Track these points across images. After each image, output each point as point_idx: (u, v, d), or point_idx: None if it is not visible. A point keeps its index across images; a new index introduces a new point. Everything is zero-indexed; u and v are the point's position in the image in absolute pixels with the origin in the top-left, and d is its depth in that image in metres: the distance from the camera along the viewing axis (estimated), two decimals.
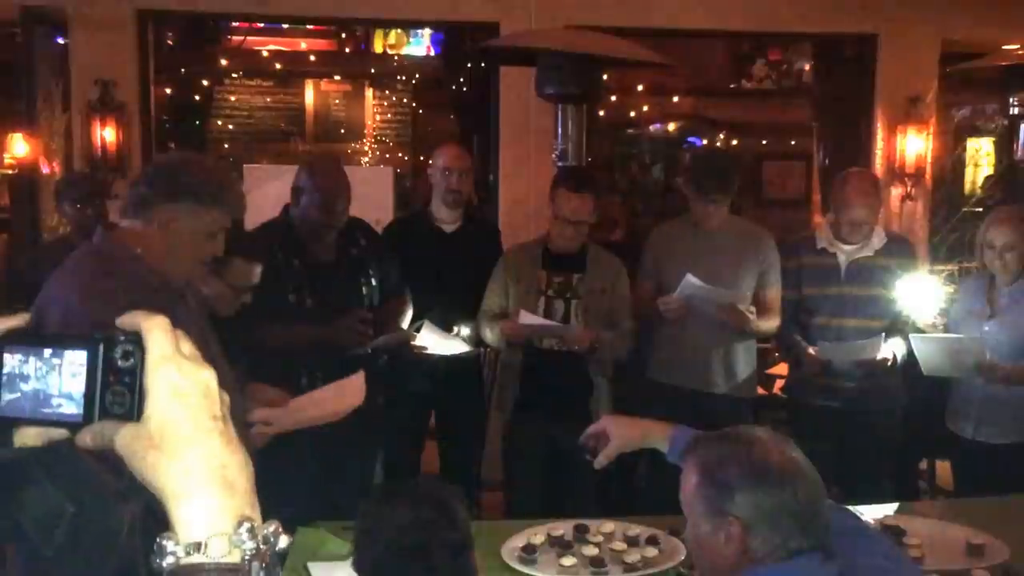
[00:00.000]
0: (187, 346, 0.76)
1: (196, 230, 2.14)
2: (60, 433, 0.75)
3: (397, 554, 1.62)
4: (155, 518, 0.74)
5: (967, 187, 8.36)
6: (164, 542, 0.71)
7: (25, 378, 0.73)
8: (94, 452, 0.75)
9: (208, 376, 0.76)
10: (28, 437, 0.76)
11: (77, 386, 0.73)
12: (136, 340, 0.74)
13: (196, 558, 0.70)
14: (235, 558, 0.71)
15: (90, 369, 0.73)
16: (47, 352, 0.73)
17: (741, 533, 1.46)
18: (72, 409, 0.73)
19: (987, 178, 7.82)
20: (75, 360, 0.73)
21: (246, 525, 0.72)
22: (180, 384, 0.74)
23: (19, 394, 0.73)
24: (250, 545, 0.71)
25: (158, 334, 0.75)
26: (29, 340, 0.74)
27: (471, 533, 1.69)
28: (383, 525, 1.65)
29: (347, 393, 2.70)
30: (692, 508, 1.55)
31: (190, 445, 0.73)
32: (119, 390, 0.73)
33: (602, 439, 2.06)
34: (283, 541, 0.74)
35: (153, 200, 2.11)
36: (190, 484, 0.72)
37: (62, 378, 0.73)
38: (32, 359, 0.73)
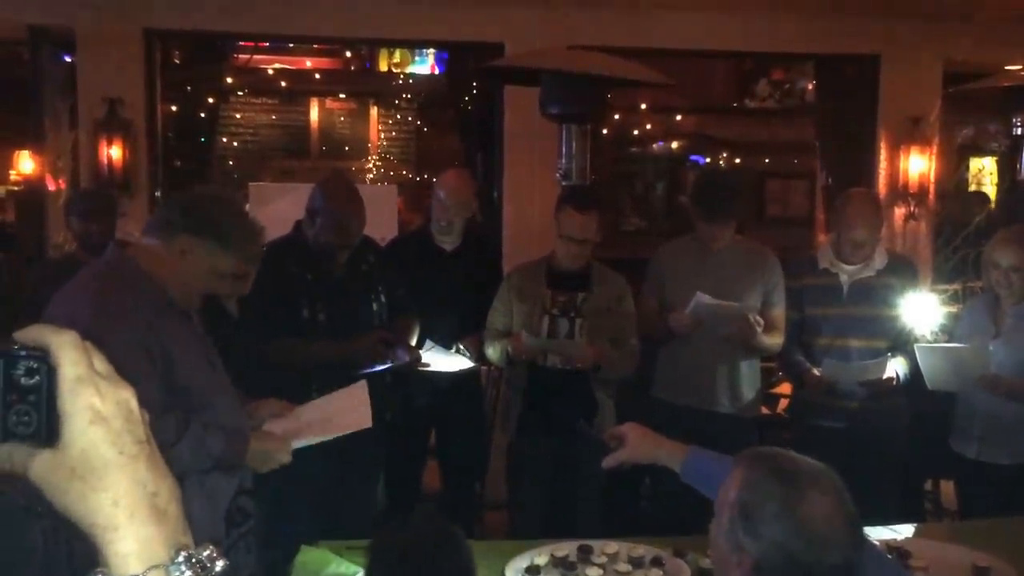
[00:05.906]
0: (101, 362, 0.72)
1: (209, 268, 2.21)
2: None
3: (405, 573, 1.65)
4: (72, 528, 0.70)
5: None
6: None
7: None
8: None
9: (129, 396, 0.72)
10: None
11: None
12: (40, 356, 0.69)
13: None
14: None
15: None
16: None
17: (750, 571, 1.41)
18: None
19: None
20: None
21: (183, 554, 0.70)
22: (101, 408, 0.69)
23: None
24: (188, 574, 0.69)
25: (70, 351, 0.70)
26: None
27: (472, 556, 1.73)
28: (392, 546, 1.69)
29: (352, 406, 2.68)
30: (720, 514, 1.47)
31: (116, 473, 0.69)
32: (23, 409, 0.68)
33: (621, 442, 2.07)
34: (219, 565, 0.71)
35: (178, 227, 2.19)
36: (119, 515, 0.68)
37: None
38: None
